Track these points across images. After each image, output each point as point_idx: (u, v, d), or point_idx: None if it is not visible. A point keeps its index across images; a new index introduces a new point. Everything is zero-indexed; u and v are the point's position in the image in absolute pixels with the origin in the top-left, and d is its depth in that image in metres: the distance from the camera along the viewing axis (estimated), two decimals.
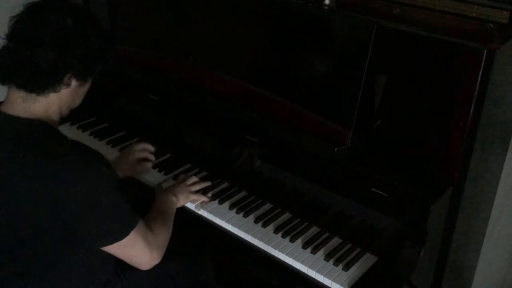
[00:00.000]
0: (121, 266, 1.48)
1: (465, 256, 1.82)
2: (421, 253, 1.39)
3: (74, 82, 1.32)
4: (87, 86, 1.40)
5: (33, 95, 1.28)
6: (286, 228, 1.60)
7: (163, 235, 1.47)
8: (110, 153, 1.95)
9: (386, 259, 1.48)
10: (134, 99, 2.04)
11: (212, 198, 1.72)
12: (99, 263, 1.40)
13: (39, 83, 1.27)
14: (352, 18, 1.55)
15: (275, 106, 1.65)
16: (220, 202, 1.70)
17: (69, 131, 2.07)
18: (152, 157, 1.85)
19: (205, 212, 1.67)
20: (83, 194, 1.24)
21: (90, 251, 1.35)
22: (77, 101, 1.41)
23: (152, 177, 1.83)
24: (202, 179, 1.76)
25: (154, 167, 1.86)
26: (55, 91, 1.29)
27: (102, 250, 1.34)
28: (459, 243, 1.73)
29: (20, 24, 1.26)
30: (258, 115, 1.66)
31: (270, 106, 1.66)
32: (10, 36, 1.27)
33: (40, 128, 1.29)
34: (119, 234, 1.31)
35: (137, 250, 1.37)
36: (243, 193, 1.74)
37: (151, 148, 1.86)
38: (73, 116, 2.07)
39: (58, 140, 1.31)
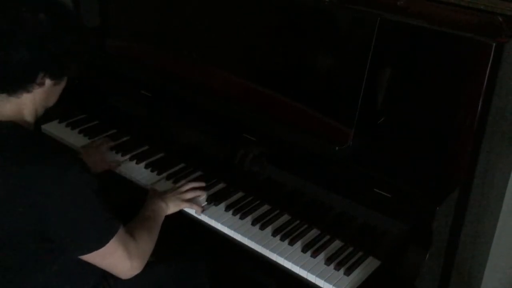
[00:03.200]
0: (109, 272, 1.43)
1: (473, 260, 1.81)
2: (426, 257, 1.36)
3: (48, 82, 1.28)
4: (62, 84, 1.36)
5: (4, 95, 1.25)
6: (285, 231, 1.58)
7: (147, 244, 1.43)
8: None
9: (390, 263, 1.47)
10: (126, 95, 2.01)
11: (208, 200, 1.68)
12: (82, 270, 1.37)
13: (11, 83, 1.23)
14: (354, 11, 1.52)
15: (274, 103, 1.62)
16: (216, 204, 1.67)
17: (57, 129, 2.04)
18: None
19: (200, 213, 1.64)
20: (62, 201, 1.21)
21: (70, 259, 1.31)
22: (52, 100, 1.37)
23: (144, 176, 1.80)
24: (197, 180, 1.73)
25: (146, 166, 1.83)
26: (28, 92, 1.26)
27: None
28: (466, 246, 1.73)
29: None
30: (256, 112, 1.64)
31: (269, 103, 1.63)
32: None
33: (12, 131, 1.26)
34: (98, 243, 1.29)
35: (116, 259, 1.34)
36: (240, 194, 1.72)
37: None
38: (61, 113, 2.05)
39: (34, 144, 1.28)
